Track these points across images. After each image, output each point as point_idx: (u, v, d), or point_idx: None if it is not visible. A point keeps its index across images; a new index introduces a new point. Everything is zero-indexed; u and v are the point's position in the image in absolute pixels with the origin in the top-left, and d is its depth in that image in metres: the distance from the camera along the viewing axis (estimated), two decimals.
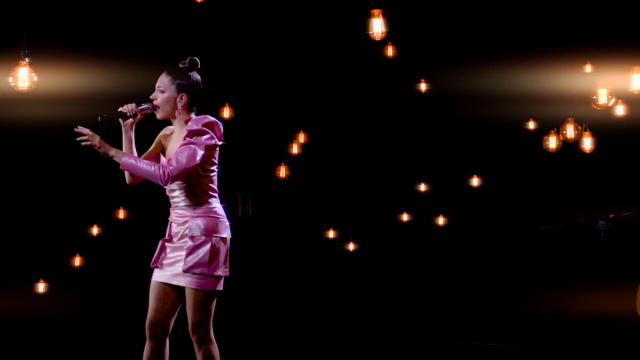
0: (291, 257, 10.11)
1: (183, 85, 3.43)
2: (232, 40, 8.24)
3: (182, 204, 3.42)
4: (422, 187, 10.21)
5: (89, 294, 9.07)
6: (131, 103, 3.39)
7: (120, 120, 3.42)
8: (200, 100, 3.46)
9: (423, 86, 8.86)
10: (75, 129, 3.30)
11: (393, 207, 10.38)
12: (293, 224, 10.29)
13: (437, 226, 10.36)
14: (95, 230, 9.57)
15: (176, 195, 3.44)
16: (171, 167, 3.26)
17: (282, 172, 9.60)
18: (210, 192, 3.44)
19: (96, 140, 3.31)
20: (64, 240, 9.43)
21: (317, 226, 10.26)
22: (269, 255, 9.99)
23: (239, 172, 10.13)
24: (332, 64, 9.10)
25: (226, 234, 3.49)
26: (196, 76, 3.47)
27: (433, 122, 9.94)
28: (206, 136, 3.33)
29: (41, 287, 9.10)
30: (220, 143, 3.41)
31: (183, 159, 3.26)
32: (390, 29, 6.31)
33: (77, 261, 9.49)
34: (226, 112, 8.80)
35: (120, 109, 3.37)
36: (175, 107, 3.44)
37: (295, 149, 9.57)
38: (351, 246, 10.28)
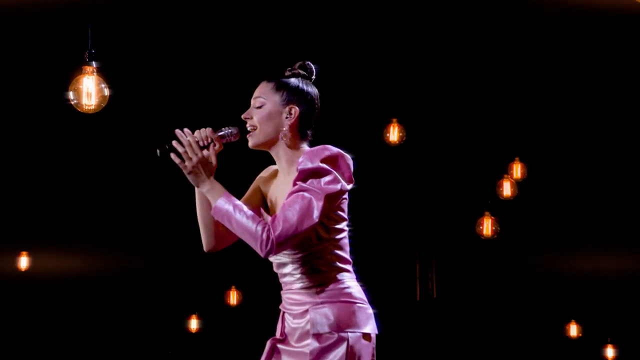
0: None
1: (293, 96, 3.41)
2: (395, 37, 8.52)
3: (299, 284, 3.40)
4: None
5: None
6: (206, 128, 3.37)
7: (173, 144, 3.35)
8: (315, 125, 3.43)
9: None
10: (176, 131, 3.33)
11: None
12: (508, 314, 10.14)
13: None
14: (194, 324, 9.90)
15: (288, 271, 3.40)
16: (276, 230, 3.21)
17: (487, 227, 9.35)
18: (340, 264, 3.38)
19: (195, 158, 3.29)
20: (150, 337, 10.07)
21: (549, 318, 10.01)
22: None
23: (414, 232, 10.23)
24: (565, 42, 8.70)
25: (369, 327, 3.39)
26: (312, 88, 3.46)
27: None
28: (327, 178, 3.26)
29: None
30: (349, 187, 3.32)
31: (293, 217, 3.22)
32: None
33: None
34: (393, 134, 8.72)
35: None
36: (279, 127, 3.40)
37: (506, 190, 9.21)
38: (609, 351, 10.00)
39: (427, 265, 10.31)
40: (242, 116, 3.41)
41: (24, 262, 9.66)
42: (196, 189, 3.39)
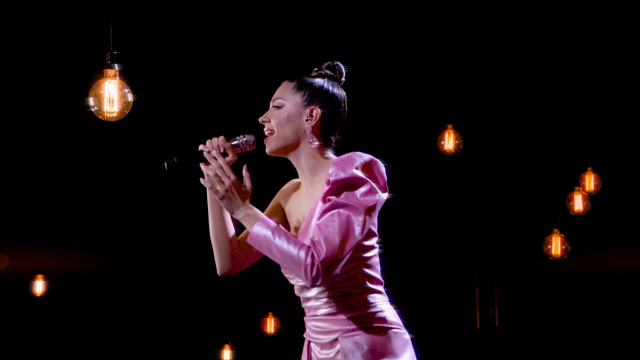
0: None
1: (315, 97, 3.39)
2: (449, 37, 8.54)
3: (325, 309, 3.37)
4: None
5: None
6: (218, 136, 3.37)
7: (202, 167, 3.30)
8: (340, 130, 3.39)
9: None
10: (200, 147, 3.29)
11: None
12: (580, 344, 10.16)
13: None
14: (227, 355, 9.98)
15: (312, 295, 3.37)
16: (320, 255, 3.18)
17: (555, 246, 9.37)
18: (370, 285, 3.35)
19: (227, 182, 3.26)
20: None
21: (628, 349, 10.24)
22: None
23: (473, 251, 10.33)
24: None
25: (407, 354, 3.34)
26: (338, 90, 3.43)
27: None
28: (363, 189, 3.23)
29: None
30: (385, 197, 3.29)
31: (334, 237, 3.19)
32: None
33: None
34: (448, 142, 8.80)
35: (200, 147, 3.32)
36: (299, 131, 3.39)
37: (578, 204, 9.26)
38: None
39: (488, 289, 10.48)
40: (260, 119, 3.39)
41: (39, 286, 9.80)
42: (209, 206, 3.38)
